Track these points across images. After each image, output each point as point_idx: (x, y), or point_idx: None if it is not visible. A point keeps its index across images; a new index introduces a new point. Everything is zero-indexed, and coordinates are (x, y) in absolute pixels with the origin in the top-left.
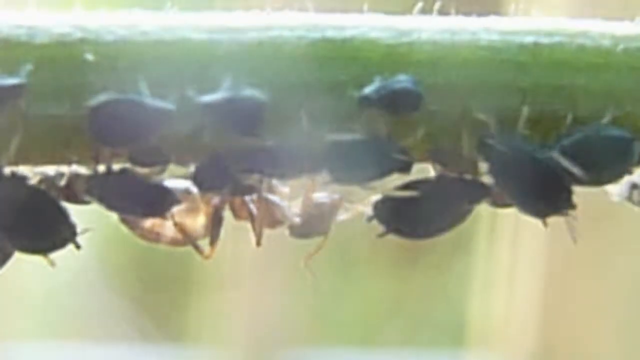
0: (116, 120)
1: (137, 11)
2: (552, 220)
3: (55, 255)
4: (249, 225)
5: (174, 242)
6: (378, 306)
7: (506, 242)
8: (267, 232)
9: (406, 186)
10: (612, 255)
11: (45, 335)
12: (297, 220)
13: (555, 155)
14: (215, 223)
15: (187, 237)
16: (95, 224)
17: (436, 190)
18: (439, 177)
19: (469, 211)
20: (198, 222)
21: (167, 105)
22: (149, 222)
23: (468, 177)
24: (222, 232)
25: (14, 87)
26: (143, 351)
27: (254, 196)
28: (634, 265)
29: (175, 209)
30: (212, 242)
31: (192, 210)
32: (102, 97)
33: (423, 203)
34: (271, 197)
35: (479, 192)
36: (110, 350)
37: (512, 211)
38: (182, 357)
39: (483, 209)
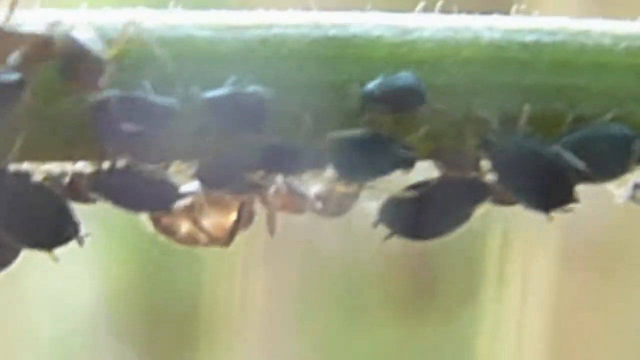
0: (120, 117)
1: (141, 8)
2: (562, 267)
3: (63, 301)
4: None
5: (212, 242)
6: (386, 353)
7: (515, 289)
8: (275, 278)
9: (410, 188)
10: (624, 303)
11: None
12: (319, 202)
13: (559, 149)
14: (243, 217)
15: (211, 239)
16: (101, 270)
17: (440, 192)
18: (442, 179)
19: (472, 212)
20: (230, 219)
21: (172, 102)
22: (184, 229)
23: (471, 176)
24: (230, 278)
25: (15, 83)
26: None
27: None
28: None
29: (206, 209)
30: (233, 233)
31: (223, 208)
32: (106, 94)
33: (427, 205)
34: (293, 184)
35: (482, 192)
36: None
37: (520, 257)
38: None
39: (492, 253)
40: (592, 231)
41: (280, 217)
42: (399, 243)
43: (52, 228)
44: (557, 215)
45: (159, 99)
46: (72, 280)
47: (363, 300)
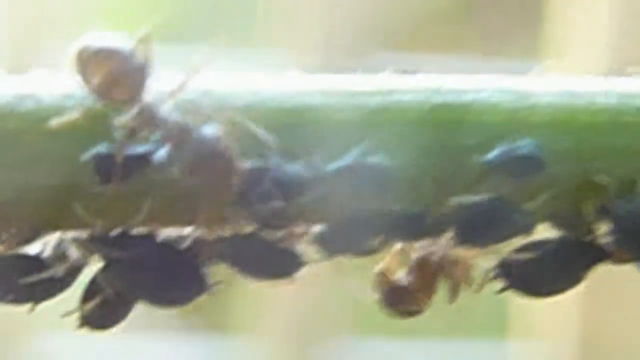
0: (254, 187)
1: (256, 74)
2: None
3: None
4: None
5: None
6: None
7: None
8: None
9: (527, 247)
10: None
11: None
12: None
13: None
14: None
15: None
16: None
17: (557, 252)
18: (560, 240)
19: (586, 274)
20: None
21: (300, 170)
22: None
23: (587, 240)
24: None
25: (142, 156)
26: (184, 340)
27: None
28: None
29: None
30: None
31: None
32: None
33: (544, 264)
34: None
35: (597, 256)
36: (151, 338)
37: None
38: (222, 346)
39: None
40: None
41: None
42: None
43: (183, 284)
44: None
45: (288, 168)
46: None
47: None
